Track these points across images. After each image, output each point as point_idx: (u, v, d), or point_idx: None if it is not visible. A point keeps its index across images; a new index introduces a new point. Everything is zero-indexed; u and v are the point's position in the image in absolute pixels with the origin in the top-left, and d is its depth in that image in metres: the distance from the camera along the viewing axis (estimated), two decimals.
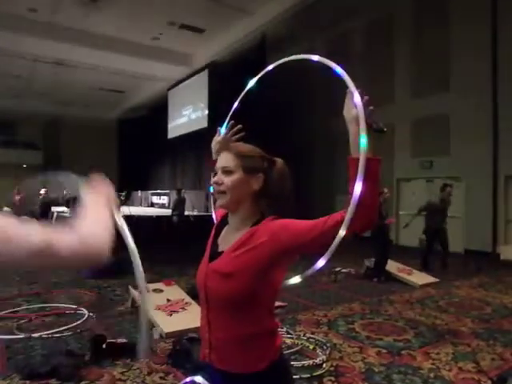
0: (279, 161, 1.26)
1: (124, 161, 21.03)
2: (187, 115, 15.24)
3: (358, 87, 1.09)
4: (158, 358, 3.12)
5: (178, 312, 3.92)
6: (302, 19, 10.60)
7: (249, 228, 1.16)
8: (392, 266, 6.14)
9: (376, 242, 6.01)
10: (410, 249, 9.22)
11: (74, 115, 20.86)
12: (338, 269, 6.27)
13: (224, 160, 1.21)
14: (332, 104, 11.79)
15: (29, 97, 17.99)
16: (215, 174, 1.23)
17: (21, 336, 3.48)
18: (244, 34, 11.44)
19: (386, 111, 10.63)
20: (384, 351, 3.31)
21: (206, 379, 1.16)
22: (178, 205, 10.49)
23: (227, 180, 1.17)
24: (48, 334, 3.52)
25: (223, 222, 1.30)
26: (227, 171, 1.18)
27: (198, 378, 1.10)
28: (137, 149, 19.52)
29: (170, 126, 16.71)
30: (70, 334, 3.59)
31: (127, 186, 17.75)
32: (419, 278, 5.93)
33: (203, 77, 13.77)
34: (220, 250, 1.20)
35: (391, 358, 3.16)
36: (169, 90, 16.42)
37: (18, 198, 13.81)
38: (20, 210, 13.27)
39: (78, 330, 3.66)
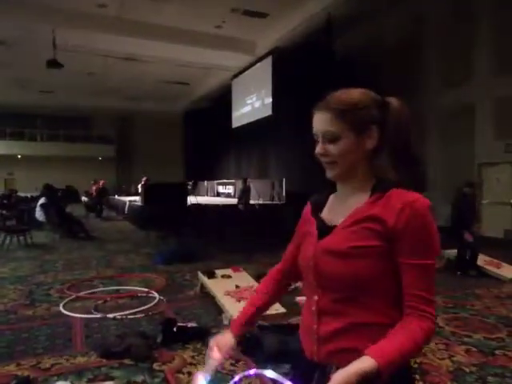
0: (394, 101, 0.97)
1: (190, 152, 21.65)
2: (251, 104, 15.19)
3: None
4: None
5: (247, 298, 3.79)
6: None
7: (366, 196, 0.94)
8: (479, 259, 5.55)
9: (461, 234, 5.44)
10: (494, 240, 8.28)
11: (142, 109, 22.05)
12: None
13: (323, 123, 0.94)
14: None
15: (102, 93, 19.19)
16: (315, 140, 0.98)
17: (97, 316, 3.58)
18: (308, 15, 10.94)
19: (465, 89, 9.60)
20: (474, 349, 2.96)
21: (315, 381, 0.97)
22: (244, 194, 10.58)
23: (334, 149, 0.93)
24: (122, 315, 3.58)
25: (321, 199, 1.08)
26: (332, 138, 0.93)
27: (270, 373, 0.89)
28: (202, 139, 19.97)
29: (234, 115, 16.76)
30: (142, 316, 3.63)
31: (194, 176, 18.29)
32: (509, 271, 5.35)
33: (267, 64, 13.57)
34: (330, 224, 0.97)
35: (483, 358, 2.81)
36: (232, 79, 16.45)
37: (94, 188, 14.93)
38: (96, 200, 14.39)
39: (150, 313, 3.69)
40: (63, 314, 3.66)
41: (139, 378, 2.48)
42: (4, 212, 9.02)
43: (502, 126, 9.01)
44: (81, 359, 2.73)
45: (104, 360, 2.71)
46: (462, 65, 9.66)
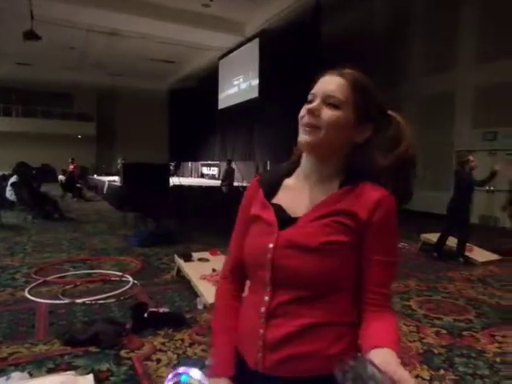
0: (398, 117, 0.90)
1: (175, 132, 21.16)
2: (238, 85, 14.97)
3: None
4: (200, 329, 2.94)
5: None
6: None
7: (334, 187, 0.86)
8: (451, 243, 5.61)
9: (459, 215, 5.32)
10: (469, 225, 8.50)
11: (126, 87, 21.26)
12: None
13: (333, 86, 0.84)
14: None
15: (83, 69, 18.40)
16: (309, 101, 0.86)
17: (64, 301, 3.42)
18: None
19: (446, 77, 9.70)
20: (443, 331, 3.02)
21: None
22: (228, 175, 10.45)
23: (329, 114, 0.82)
24: (91, 301, 3.43)
25: (274, 180, 0.95)
26: (332, 103, 0.83)
27: (195, 373, 0.80)
28: (187, 120, 19.56)
29: (220, 96, 16.52)
30: (113, 301, 3.49)
31: (178, 157, 17.94)
32: (480, 255, 5.45)
33: (254, 46, 13.34)
34: (293, 214, 0.86)
35: (452, 340, 2.88)
36: (219, 59, 16.11)
37: (71, 167, 14.52)
38: (73, 179, 13.99)
39: (122, 298, 3.55)
40: (28, 299, 3.47)
41: (104, 367, 2.36)
42: None
43: (481, 114, 9.16)
44: (42, 347, 2.58)
45: (68, 348, 2.57)
46: (443, 53, 9.74)
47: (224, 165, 12.33)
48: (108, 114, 23.39)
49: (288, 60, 10.98)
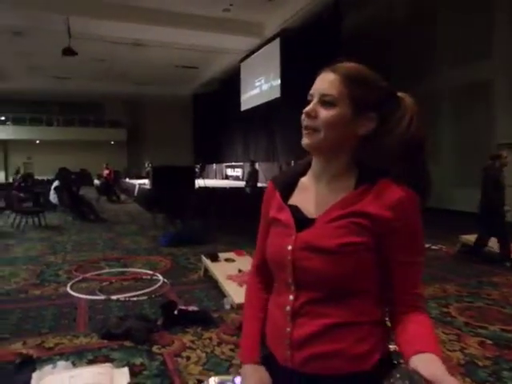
0: (407, 97, 0.87)
1: (199, 135, 21.71)
2: (259, 86, 15.04)
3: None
4: (228, 329, 3.02)
5: None
6: None
7: (350, 186, 0.86)
8: (495, 244, 5.12)
9: (493, 217, 4.93)
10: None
11: (152, 93, 22.24)
12: (426, 245, 5.63)
13: (326, 83, 0.84)
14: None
15: (113, 79, 19.39)
16: (308, 101, 0.86)
17: (101, 297, 3.66)
18: None
19: (482, 64, 8.99)
20: (489, 342, 2.76)
21: None
22: (251, 176, 10.57)
23: (325, 114, 0.82)
24: (125, 298, 3.65)
25: (289, 181, 0.96)
26: (327, 102, 0.83)
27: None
28: (211, 122, 19.95)
29: (242, 98, 16.66)
30: (145, 298, 3.68)
31: (203, 159, 18.40)
32: None
33: (275, 46, 13.37)
34: (309, 215, 0.87)
35: (498, 352, 2.61)
36: (241, 61, 16.28)
37: (106, 171, 15.19)
38: (108, 183, 14.65)
39: (153, 295, 3.74)
40: (70, 294, 3.75)
41: (138, 361, 2.51)
42: (21, 195, 9.33)
43: None
44: (83, 340, 2.80)
45: (105, 341, 2.76)
46: (479, 38, 9.03)
47: (247, 166, 12.45)
48: (136, 119, 24.81)
49: (309, 58, 10.84)
